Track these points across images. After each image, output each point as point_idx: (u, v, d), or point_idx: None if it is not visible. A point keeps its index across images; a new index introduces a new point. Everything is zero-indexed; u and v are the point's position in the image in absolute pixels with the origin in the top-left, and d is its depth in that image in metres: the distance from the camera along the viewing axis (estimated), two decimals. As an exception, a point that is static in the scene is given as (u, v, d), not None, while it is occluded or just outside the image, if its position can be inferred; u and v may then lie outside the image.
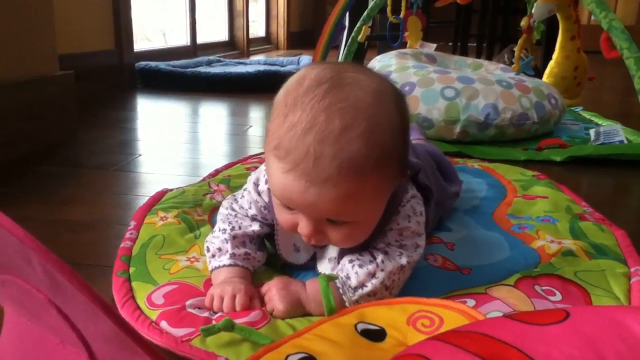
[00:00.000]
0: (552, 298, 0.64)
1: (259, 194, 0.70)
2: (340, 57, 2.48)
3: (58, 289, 0.34)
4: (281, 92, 0.59)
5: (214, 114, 2.14)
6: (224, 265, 0.67)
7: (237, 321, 0.57)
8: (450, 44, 3.59)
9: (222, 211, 0.72)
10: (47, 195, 1.07)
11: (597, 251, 0.76)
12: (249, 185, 0.71)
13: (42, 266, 0.33)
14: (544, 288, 0.66)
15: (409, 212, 0.66)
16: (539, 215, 0.91)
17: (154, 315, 0.61)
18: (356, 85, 0.56)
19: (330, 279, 0.62)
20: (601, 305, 0.62)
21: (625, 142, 1.40)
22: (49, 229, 0.91)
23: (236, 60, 3.42)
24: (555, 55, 2.10)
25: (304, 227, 0.60)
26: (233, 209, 0.71)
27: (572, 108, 1.96)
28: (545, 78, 2.07)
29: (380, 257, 0.63)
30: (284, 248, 0.71)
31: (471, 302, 0.62)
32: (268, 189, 0.69)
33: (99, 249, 0.84)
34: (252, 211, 0.70)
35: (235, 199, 0.73)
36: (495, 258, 0.77)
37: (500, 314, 0.59)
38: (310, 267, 0.71)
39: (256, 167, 1.14)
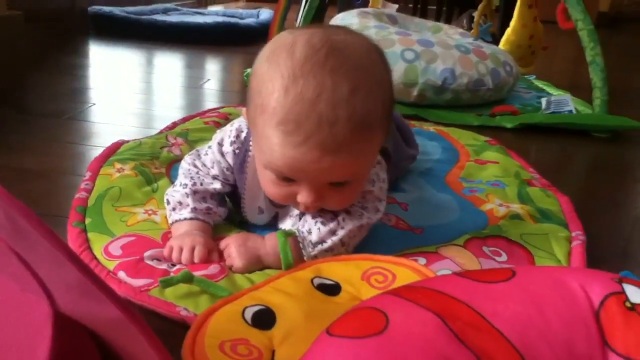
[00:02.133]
0: (498, 258, 0.67)
1: (222, 154, 0.69)
2: (301, 13, 2.43)
3: (20, 235, 0.34)
4: (265, 65, 0.57)
5: (170, 65, 2.09)
6: (185, 219, 0.67)
7: (196, 274, 0.58)
8: (411, 5, 3.58)
9: (184, 165, 0.72)
10: (-7, 141, 1.03)
11: (542, 215, 0.80)
12: (213, 145, 0.70)
13: (4, 212, 0.32)
14: (491, 249, 0.69)
15: (374, 177, 0.67)
16: (490, 179, 0.95)
17: (111, 265, 0.61)
18: (350, 46, 0.57)
19: (289, 234, 0.63)
20: (544, 265, 0.65)
21: (575, 112, 1.45)
22: (-3, 176, 0.88)
23: (194, 9, 3.31)
24: (512, 23, 2.13)
25: (306, 196, 0.59)
26: (195, 166, 0.71)
27: (526, 76, 2.01)
28: (501, 45, 2.09)
29: (341, 216, 0.64)
30: (250, 212, 0.71)
31: (422, 260, 0.65)
32: (233, 151, 0.68)
33: (52, 199, 0.82)
34: (214, 171, 0.70)
35: (199, 155, 0.72)
36: (447, 219, 0.79)
37: (450, 272, 0.62)
38: (270, 225, 0.72)
39: (215, 122, 1.14)
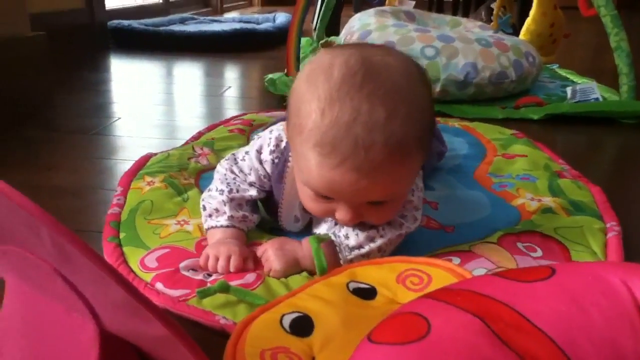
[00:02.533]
0: (533, 254, 0.66)
1: (260, 162, 0.69)
2: (317, 14, 2.44)
3: (66, 258, 0.35)
4: (304, 86, 0.57)
5: (190, 74, 2.11)
6: (222, 226, 0.68)
7: (232, 283, 0.58)
8: (426, 0, 3.56)
9: (221, 170, 0.72)
10: (26, 160, 1.05)
11: (575, 208, 0.78)
12: (252, 151, 0.70)
13: (50, 237, 0.33)
14: (525, 245, 0.68)
15: (412, 186, 0.67)
16: (519, 173, 0.94)
17: (148, 277, 0.62)
18: (388, 69, 0.56)
19: (321, 240, 0.63)
20: (580, 260, 0.65)
21: (601, 99, 1.42)
22: (31, 195, 0.88)
23: (210, 17, 3.35)
24: (532, 12, 2.10)
25: (345, 214, 0.59)
26: (232, 172, 0.71)
27: (548, 65, 1.98)
28: (522, 35, 2.07)
29: (382, 225, 0.64)
30: (286, 220, 0.72)
31: (456, 259, 0.65)
32: (272, 160, 0.68)
33: (85, 214, 0.84)
34: (252, 178, 0.70)
35: (236, 161, 0.72)
36: (478, 216, 0.79)
37: (485, 271, 0.61)
38: (304, 231, 0.72)
39: (239, 129, 1.14)
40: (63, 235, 0.30)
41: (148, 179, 0.86)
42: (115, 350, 0.38)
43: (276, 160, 0.68)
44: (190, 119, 1.41)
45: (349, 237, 0.64)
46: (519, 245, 0.68)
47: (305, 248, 0.64)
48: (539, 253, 0.66)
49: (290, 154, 0.66)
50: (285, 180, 0.68)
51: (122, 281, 0.31)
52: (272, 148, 0.69)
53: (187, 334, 0.33)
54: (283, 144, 0.68)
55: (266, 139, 0.70)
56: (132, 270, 0.64)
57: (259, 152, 0.70)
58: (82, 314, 0.38)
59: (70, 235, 0.30)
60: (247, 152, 0.71)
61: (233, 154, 0.73)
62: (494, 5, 2.02)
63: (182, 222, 0.74)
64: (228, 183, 0.70)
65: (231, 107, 1.56)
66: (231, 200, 0.69)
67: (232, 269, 0.62)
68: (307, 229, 0.72)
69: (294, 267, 0.63)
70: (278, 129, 0.70)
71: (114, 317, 0.37)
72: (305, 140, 0.56)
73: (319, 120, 0.54)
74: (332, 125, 0.54)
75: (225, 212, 0.68)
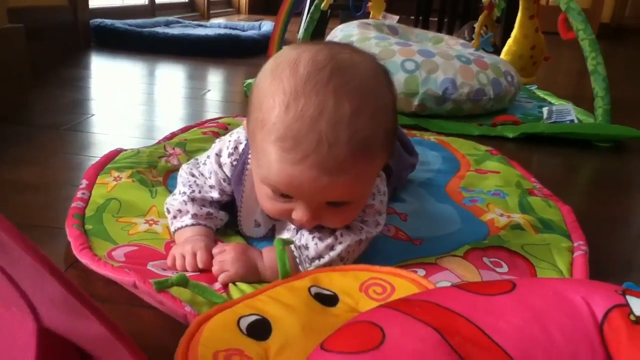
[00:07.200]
0: (499, 270, 0.66)
1: (220, 165, 0.69)
2: (303, 25, 2.44)
3: (2, 250, 0.33)
4: (268, 80, 0.56)
5: (171, 76, 2.09)
6: (187, 225, 0.67)
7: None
8: (412, 17, 3.58)
9: (182, 174, 0.71)
10: (-7, 153, 1.02)
11: (544, 226, 0.78)
12: (211, 154, 0.69)
13: (-17, 225, 0.31)
14: (491, 260, 0.68)
15: (374, 190, 0.66)
16: (490, 189, 0.94)
17: (116, 265, 0.60)
18: (355, 66, 0.55)
19: (286, 243, 0.62)
20: (545, 277, 0.64)
21: (576, 121, 1.44)
22: (-5, 188, 0.88)
23: (196, 22, 3.33)
24: (513, 34, 2.13)
25: (302, 214, 0.58)
26: (193, 175, 0.70)
27: (527, 86, 2.00)
28: (503, 55, 2.10)
29: (340, 231, 0.63)
30: (246, 225, 0.70)
31: (421, 271, 0.64)
32: (231, 163, 0.67)
33: (50, 210, 0.81)
34: (212, 181, 0.69)
35: (197, 164, 0.71)
36: (446, 230, 0.78)
37: (449, 284, 0.60)
38: (267, 237, 0.71)
39: (213, 132, 1.13)
40: (-3, 223, 0.29)
41: (115, 174, 0.84)
42: (56, 349, 0.37)
43: (235, 163, 0.67)
44: (169, 120, 1.39)
45: (308, 248, 0.62)
46: (485, 260, 0.67)
47: (266, 259, 0.62)
48: (505, 269, 0.66)
49: (249, 156, 0.65)
50: (244, 183, 0.67)
51: (58, 275, 0.29)
52: (231, 151, 0.68)
53: (126, 333, 0.31)
54: (242, 147, 0.68)
55: (225, 142, 0.69)
56: (96, 255, 0.62)
57: (218, 155, 0.69)
58: (21, 309, 0.36)
59: (3, 223, 0.28)
60: (208, 156, 0.70)
61: (195, 159, 0.73)
62: (476, 25, 2.04)
63: (151, 222, 0.72)
64: (190, 185, 0.69)
65: (211, 110, 1.55)
66: (192, 200, 0.68)
67: (200, 265, 0.61)
68: (270, 238, 0.70)
69: (253, 275, 0.61)
70: (238, 132, 0.69)
71: (54, 313, 0.35)
72: (267, 134, 0.54)
73: (283, 114, 0.53)
74: (296, 119, 0.52)
75: (188, 211, 0.67)
